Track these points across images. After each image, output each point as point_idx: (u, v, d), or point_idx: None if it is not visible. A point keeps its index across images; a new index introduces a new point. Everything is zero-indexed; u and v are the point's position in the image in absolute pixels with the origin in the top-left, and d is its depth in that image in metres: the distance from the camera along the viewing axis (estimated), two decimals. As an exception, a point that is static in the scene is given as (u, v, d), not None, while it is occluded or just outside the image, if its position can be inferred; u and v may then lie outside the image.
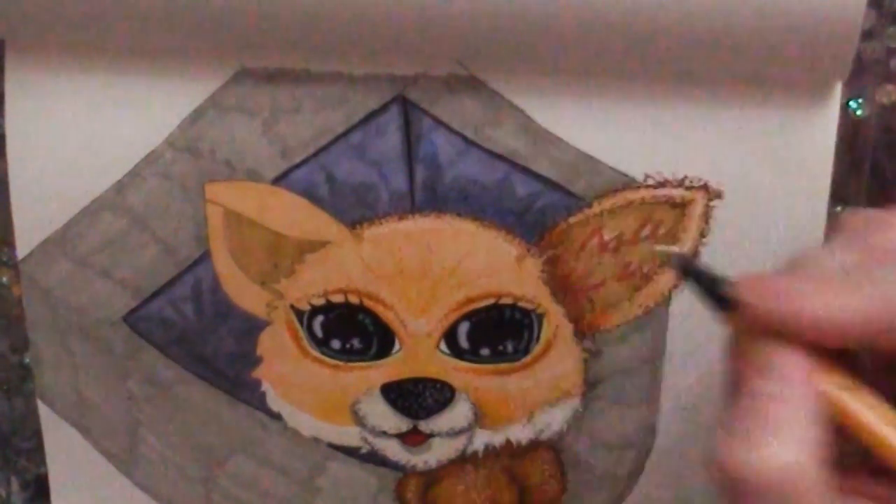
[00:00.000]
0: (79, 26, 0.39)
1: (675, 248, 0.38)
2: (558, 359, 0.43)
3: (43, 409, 0.46)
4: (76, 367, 0.44)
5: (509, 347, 0.42)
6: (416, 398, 0.43)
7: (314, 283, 0.42)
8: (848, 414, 0.30)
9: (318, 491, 0.46)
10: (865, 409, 0.30)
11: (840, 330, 0.30)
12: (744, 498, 0.29)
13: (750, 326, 0.32)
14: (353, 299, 0.42)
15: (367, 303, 0.42)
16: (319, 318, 0.43)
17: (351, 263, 0.41)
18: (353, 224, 0.41)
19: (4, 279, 0.45)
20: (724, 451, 0.30)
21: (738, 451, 0.29)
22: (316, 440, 0.45)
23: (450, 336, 0.42)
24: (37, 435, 0.46)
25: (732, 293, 0.32)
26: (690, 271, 0.35)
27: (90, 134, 0.41)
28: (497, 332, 0.42)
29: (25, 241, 0.43)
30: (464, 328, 0.42)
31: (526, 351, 0.43)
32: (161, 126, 0.41)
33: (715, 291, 0.33)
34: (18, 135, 0.41)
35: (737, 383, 0.32)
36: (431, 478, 0.45)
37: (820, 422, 0.30)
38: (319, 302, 0.42)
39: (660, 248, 0.40)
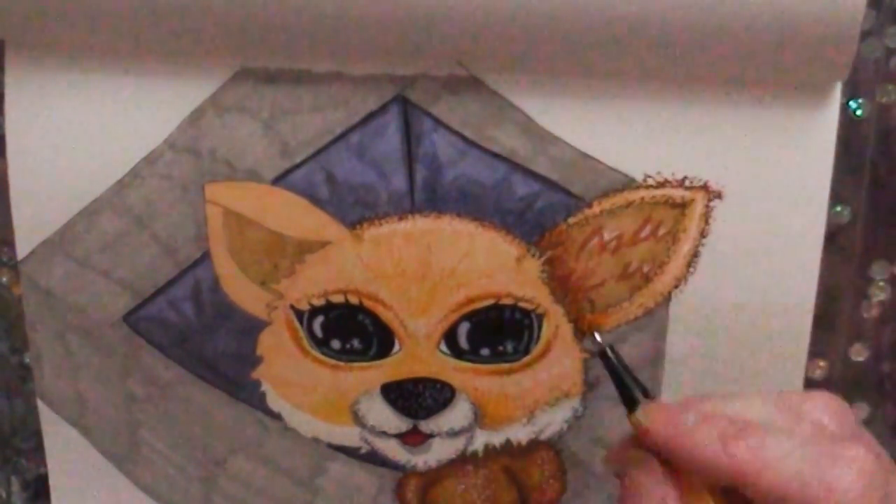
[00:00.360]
0: (79, 26, 0.39)
1: (598, 339, 0.39)
2: (558, 359, 0.43)
3: (43, 409, 0.46)
4: (76, 368, 0.44)
5: (509, 348, 0.42)
6: (416, 398, 0.43)
7: (314, 283, 0.42)
8: None
9: (318, 491, 0.46)
10: None
11: (707, 477, 0.34)
12: None
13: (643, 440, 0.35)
14: (353, 299, 0.42)
15: (367, 303, 0.42)
16: (319, 319, 0.43)
17: (351, 264, 0.41)
18: (353, 224, 0.41)
19: (4, 279, 0.45)
20: None
21: None
22: (316, 440, 0.45)
23: (450, 336, 0.42)
24: (37, 435, 0.46)
25: (639, 406, 0.36)
26: (611, 366, 0.37)
27: (90, 134, 0.41)
28: (497, 332, 0.42)
29: (25, 242, 0.42)
30: (464, 328, 0.42)
31: (526, 351, 0.43)
32: (161, 126, 0.41)
33: (626, 392, 0.37)
34: (18, 135, 0.41)
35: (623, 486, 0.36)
36: (431, 478, 0.45)
37: None
38: (319, 302, 0.42)
39: (588, 341, 0.42)
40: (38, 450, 0.47)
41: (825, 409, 0.35)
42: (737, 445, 0.33)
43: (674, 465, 0.34)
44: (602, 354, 0.37)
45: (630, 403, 0.36)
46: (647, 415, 0.35)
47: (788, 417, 0.35)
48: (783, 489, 0.32)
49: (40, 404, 0.45)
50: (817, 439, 0.34)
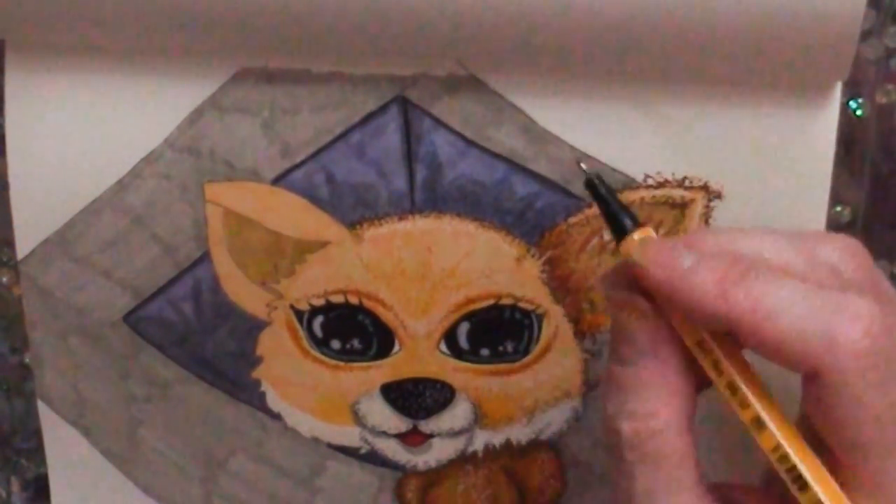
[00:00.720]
0: (79, 26, 0.39)
1: (583, 167, 0.37)
2: (558, 359, 0.43)
3: (43, 409, 0.46)
4: (76, 367, 0.44)
5: (509, 348, 0.42)
6: (416, 398, 0.43)
7: (314, 283, 0.42)
8: (707, 367, 0.33)
9: (317, 491, 0.46)
10: (706, 365, 0.33)
11: (701, 320, 0.32)
12: (614, 452, 0.33)
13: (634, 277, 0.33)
14: (353, 300, 0.42)
15: (367, 303, 0.42)
16: (319, 319, 0.43)
17: (350, 264, 0.41)
18: (353, 224, 0.41)
19: (4, 279, 0.45)
20: (607, 410, 0.33)
21: (616, 413, 0.33)
22: (316, 440, 0.45)
23: (450, 336, 0.42)
24: (37, 435, 0.46)
25: (629, 233, 0.34)
26: (598, 194, 0.35)
27: (90, 134, 0.41)
28: (497, 332, 0.42)
29: (25, 242, 0.43)
30: (464, 328, 0.42)
31: (526, 351, 0.43)
32: (161, 126, 0.41)
33: (616, 220, 0.34)
34: (18, 135, 0.41)
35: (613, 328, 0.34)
36: (431, 478, 0.45)
37: (686, 389, 0.33)
38: (319, 302, 0.42)
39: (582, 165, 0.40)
40: (38, 450, 0.47)
41: (843, 252, 0.33)
42: (736, 293, 0.31)
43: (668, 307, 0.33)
44: (589, 184, 0.35)
45: (620, 231, 0.34)
46: (642, 250, 0.33)
47: (801, 259, 0.33)
48: (781, 343, 0.30)
49: (40, 404, 0.45)
50: (827, 287, 0.31)
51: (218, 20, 0.38)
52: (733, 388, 0.32)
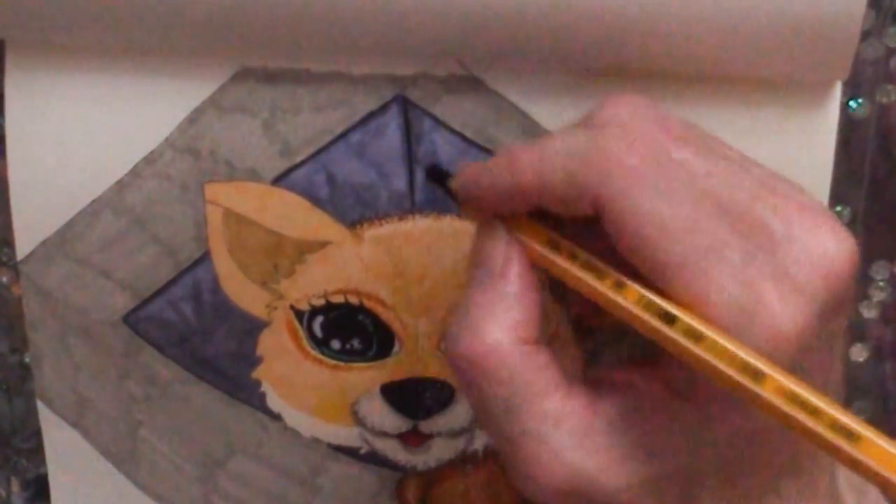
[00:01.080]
0: (79, 26, 0.39)
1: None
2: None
3: (43, 409, 0.46)
4: (76, 368, 0.44)
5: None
6: (416, 398, 0.43)
7: (314, 283, 0.42)
8: (552, 267, 0.32)
9: (317, 491, 0.46)
10: (563, 260, 0.32)
11: (509, 199, 0.32)
12: (460, 377, 0.32)
13: (468, 212, 0.34)
14: (353, 300, 0.42)
15: (367, 303, 0.42)
16: (319, 319, 0.43)
17: (351, 264, 0.41)
18: (353, 224, 0.41)
19: (4, 279, 0.45)
20: (448, 335, 0.33)
21: (455, 335, 0.32)
22: (316, 440, 0.45)
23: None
24: (37, 435, 0.46)
25: (451, 184, 0.34)
26: (429, 171, 0.36)
27: (90, 134, 0.41)
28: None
29: (25, 242, 0.42)
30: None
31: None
32: (161, 126, 0.41)
33: (446, 186, 0.35)
34: (18, 135, 0.41)
35: None
36: (431, 478, 0.45)
37: (524, 302, 0.32)
38: (319, 302, 0.42)
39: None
40: (38, 450, 0.47)
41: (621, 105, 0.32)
42: (518, 163, 0.31)
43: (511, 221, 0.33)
44: (430, 174, 0.36)
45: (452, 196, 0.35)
46: (456, 178, 0.34)
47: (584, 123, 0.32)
48: (558, 189, 0.31)
49: (40, 404, 0.45)
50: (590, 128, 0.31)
51: (218, 20, 0.38)
52: (591, 267, 0.32)
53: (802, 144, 0.40)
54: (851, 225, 0.43)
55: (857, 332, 0.45)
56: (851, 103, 0.42)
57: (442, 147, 0.40)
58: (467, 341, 0.32)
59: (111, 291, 0.43)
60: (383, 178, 0.41)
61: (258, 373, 0.44)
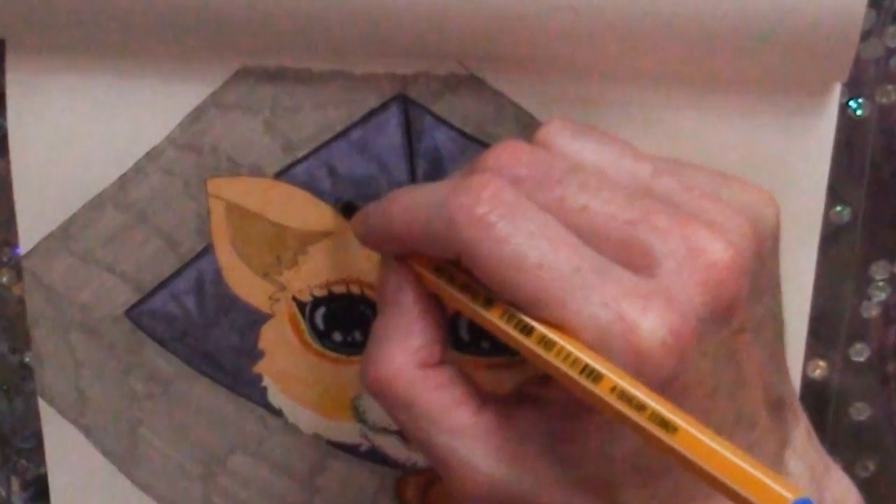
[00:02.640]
0: (79, 26, 0.39)
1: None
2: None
3: (43, 408, 0.46)
4: (77, 364, 0.44)
5: (510, 340, 0.42)
6: (417, 394, 0.43)
7: (316, 273, 0.42)
8: (439, 291, 0.35)
9: (317, 490, 0.46)
10: (444, 283, 0.34)
11: (387, 243, 0.35)
12: (378, 403, 0.35)
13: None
14: (356, 289, 0.42)
15: (370, 293, 0.42)
16: (321, 310, 0.43)
17: (353, 254, 0.41)
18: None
19: (4, 279, 0.45)
20: (361, 364, 0.35)
21: (364, 365, 0.35)
22: (316, 437, 0.45)
23: (451, 328, 0.42)
24: (37, 435, 0.46)
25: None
26: (343, 208, 0.40)
27: (92, 133, 0.41)
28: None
29: (28, 238, 0.43)
30: (465, 320, 0.42)
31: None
32: (162, 125, 0.41)
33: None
34: (20, 134, 0.42)
35: None
36: (431, 476, 0.45)
37: (420, 327, 0.34)
38: (321, 293, 0.42)
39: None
40: (38, 450, 0.47)
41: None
42: (391, 210, 0.34)
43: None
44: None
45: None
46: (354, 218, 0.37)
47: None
48: (414, 234, 0.33)
49: (41, 403, 0.45)
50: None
51: (218, 20, 0.38)
52: (467, 288, 0.34)
53: (801, 145, 0.40)
54: (851, 225, 0.43)
55: (858, 332, 0.45)
56: (851, 103, 0.42)
57: (442, 144, 0.40)
58: (371, 371, 0.34)
59: (114, 286, 0.43)
60: (384, 171, 0.41)
61: (260, 367, 0.44)
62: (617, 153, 0.35)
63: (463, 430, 0.34)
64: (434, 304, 0.35)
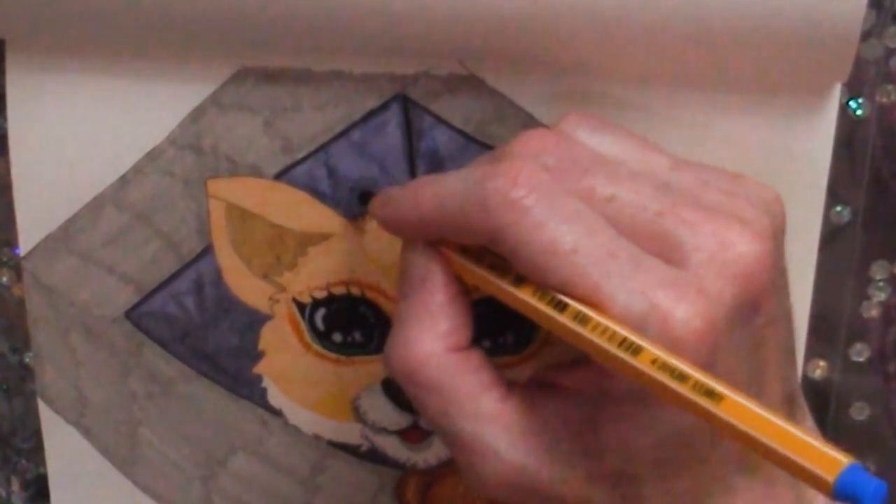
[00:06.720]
0: (79, 26, 0.39)
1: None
2: (559, 351, 0.43)
3: (43, 409, 0.46)
4: (77, 365, 0.44)
5: (510, 339, 0.42)
6: (417, 394, 0.43)
7: (316, 275, 0.42)
8: (465, 273, 0.35)
9: (317, 490, 0.46)
10: (471, 263, 0.34)
11: (414, 229, 0.35)
12: (404, 387, 0.35)
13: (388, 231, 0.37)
14: (355, 291, 0.42)
15: (369, 294, 0.42)
16: (321, 311, 0.43)
17: (353, 255, 0.41)
18: (355, 217, 0.41)
19: (5, 279, 0.45)
20: (384, 350, 0.35)
21: (389, 350, 0.35)
22: (316, 437, 0.45)
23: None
24: (37, 435, 0.46)
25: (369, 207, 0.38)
26: (360, 196, 0.40)
27: (91, 133, 0.41)
28: (497, 323, 0.42)
29: (28, 238, 0.43)
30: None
31: (527, 342, 0.42)
32: (162, 125, 0.41)
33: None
34: (20, 134, 0.42)
35: None
36: (432, 477, 0.45)
37: (449, 311, 0.34)
38: (321, 294, 0.42)
39: None
40: (38, 450, 0.47)
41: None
42: (420, 195, 0.34)
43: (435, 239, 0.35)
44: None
45: None
46: (373, 202, 0.37)
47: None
48: (452, 221, 0.33)
49: (41, 404, 0.45)
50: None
51: (218, 20, 0.38)
52: (495, 267, 0.34)
53: (801, 144, 0.40)
54: (851, 225, 0.43)
55: (858, 332, 0.45)
56: (851, 103, 0.42)
57: (442, 144, 0.40)
58: (399, 355, 0.34)
59: (114, 286, 0.43)
60: (384, 172, 0.41)
61: (260, 368, 0.44)
62: (636, 146, 0.35)
63: (489, 417, 0.34)
64: (461, 288, 0.35)
